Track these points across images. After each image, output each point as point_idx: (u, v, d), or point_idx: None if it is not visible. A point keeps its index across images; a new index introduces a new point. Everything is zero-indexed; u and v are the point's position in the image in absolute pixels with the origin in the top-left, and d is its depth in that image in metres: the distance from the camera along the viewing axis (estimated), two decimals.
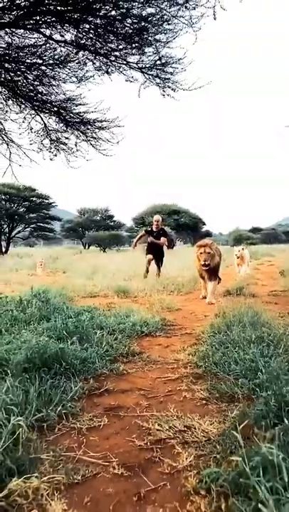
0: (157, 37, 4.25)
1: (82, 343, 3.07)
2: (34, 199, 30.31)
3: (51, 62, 5.22)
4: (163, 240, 8.95)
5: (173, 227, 34.41)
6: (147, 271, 8.92)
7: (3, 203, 28.27)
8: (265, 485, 1.13)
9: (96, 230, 42.69)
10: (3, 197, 28.25)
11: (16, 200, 28.52)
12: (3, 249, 27.43)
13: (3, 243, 28.12)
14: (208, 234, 42.90)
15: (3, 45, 4.97)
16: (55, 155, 6.32)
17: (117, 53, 4.46)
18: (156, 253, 9.01)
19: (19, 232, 30.64)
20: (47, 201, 31.48)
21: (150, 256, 8.89)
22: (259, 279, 9.62)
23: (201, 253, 5.96)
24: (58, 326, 3.48)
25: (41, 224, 32.62)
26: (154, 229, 8.96)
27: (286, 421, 1.51)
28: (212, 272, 6.12)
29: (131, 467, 1.50)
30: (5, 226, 28.61)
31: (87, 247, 41.65)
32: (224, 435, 1.62)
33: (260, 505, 1.07)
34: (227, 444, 1.53)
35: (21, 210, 29.55)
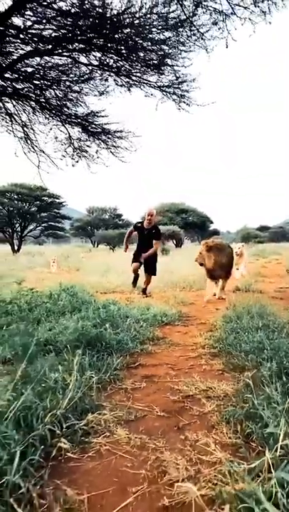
0: (174, 60, 4.79)
1: (113, 329, 3.60)
2: (45, 198, 30.96)
3: (76, 78, 5.76)
4: (155, 245, 6.86)
5: (181, 226, 34.83)
6: (135, 281, 7.24)
7: (16, 202, 28.95)
8: (268, 412, 1.65)
9: (105, 228, 43.28)
10: (16, 196, 28.94)
11: (28, 199, 29.18)
12: (16, 248, 28.16)
13: (16, 241, 28.83)
14: (215, 232, 43.23)
15: (34, 65, 5.51)
16: (77, 161, 6.87)
17: (138, 74, 4.99)
18: (147, 258, 6.86)
19: (31, 231, 31.34)
20: (58, 200, 32.13)
21: (136, 264, 6.93)
22: (266, 277, 10.09)
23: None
24: (90, 316, 4.02)
25: (52, 223, 33.33)
26: (146, 225, 6.79)
27: (284, 378, 2.03)
28: (216, 270, 6.12)
29: (169, 412, 2.04)
30: (17, 225, 29.32)
31: (95, 245, 42.26)
32: (238, 391, 2.14)
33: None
34: (240, 396, 2.04)
35: (33, 209, 30.22)
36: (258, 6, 3.45)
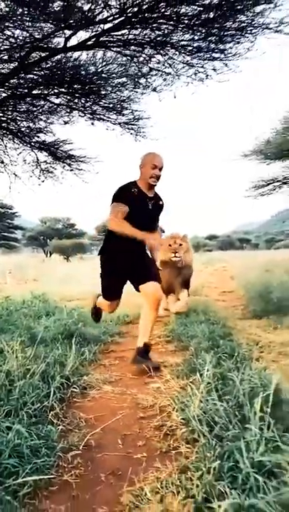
0: (132, 102, 5.78)
1: (86, 326, 4.41)
2: None
3: (44, 110, 6.55)
4: (156, 237, 3.25)
5: None
6: (98, 314, 4.12)
7: None
8: (203, 365, 2.60)
9: (58, 238, 43.35)
10: None
11: None
12: None
13: None
14: None
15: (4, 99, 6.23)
16: (43, 181, 7.61)
17: (100, 113, 5.91)
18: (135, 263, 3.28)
19: None
20: (10, 211, 32.03)
21: (115, 304, 3.65)
22: (212, 283, 11.31)
23: (170, 245, 4.87)
24: (65, 317, 4.81)
25: (5, 233, 33.09)
26: (147, 191, 3.21)
27: (215, 349, 3.01)
28: (183, 277, 5.21)
29: (138, 375, 2.93)
30: None
31: (48, 255, 42.17)
32: (185, 360, 3.08)
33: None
34: (186, 362, 2.98)
35: None
36: (197, 76, 4.53)
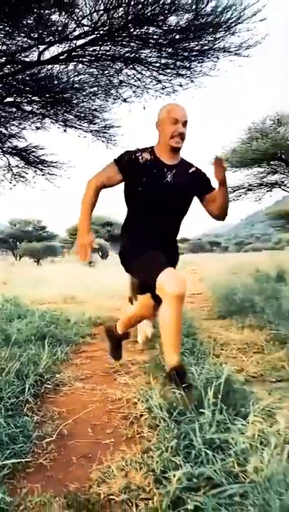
0: (103, 111, 6.00)
1: (59, 328, 4.57)
2: None
3: (16, 115, 6.65)
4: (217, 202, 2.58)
5: (106, 239, 36.11)
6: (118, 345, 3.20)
7: None
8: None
9: (28, 241, 42.65)
10: None
11: None
12: None
13: None
14: None
15: None
16: (14, 185, 7.68)
17: (72, 121, 6.09)
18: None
19: None
20: None
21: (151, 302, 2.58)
22: None
23: None
24: (37, 319, 4.94)
25: None
26: (167, 156, 2.37)
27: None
28: None
29: (107, 372, 3.15)
30: None
31: (18, 258, 41.43)
32: (152, 358, 3.31)
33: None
34: (152, 360, 3.21)
35: None
36: (165, 90, 4.81)
